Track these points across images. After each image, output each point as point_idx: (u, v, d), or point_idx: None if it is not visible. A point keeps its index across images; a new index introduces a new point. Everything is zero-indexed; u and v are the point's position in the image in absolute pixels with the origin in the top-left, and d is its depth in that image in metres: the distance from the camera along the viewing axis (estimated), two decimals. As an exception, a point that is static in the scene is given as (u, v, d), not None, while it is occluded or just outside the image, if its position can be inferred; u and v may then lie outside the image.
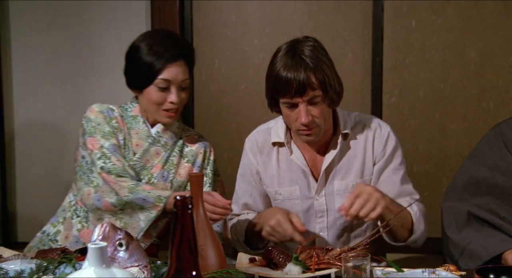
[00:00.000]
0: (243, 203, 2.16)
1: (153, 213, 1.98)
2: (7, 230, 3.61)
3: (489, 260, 1.86)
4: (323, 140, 2.04)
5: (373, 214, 1.77)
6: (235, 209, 2.17)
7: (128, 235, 1.44)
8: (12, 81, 3.55)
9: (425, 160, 3.36)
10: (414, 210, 1.99)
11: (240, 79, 3.45)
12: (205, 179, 2.20)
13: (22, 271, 1.56)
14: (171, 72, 2.05)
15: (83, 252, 1.80)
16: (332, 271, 1.72)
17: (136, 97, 2.17)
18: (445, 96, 3.34)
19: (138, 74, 2.08)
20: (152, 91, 2.06)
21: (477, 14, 3.28)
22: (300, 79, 1.86)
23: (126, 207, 2.01)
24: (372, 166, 2.06)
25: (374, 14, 3.31)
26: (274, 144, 2.10)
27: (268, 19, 3.41)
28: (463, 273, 1.69)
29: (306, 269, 1.74)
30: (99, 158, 2.05)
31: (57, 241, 2.13)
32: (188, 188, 2.12)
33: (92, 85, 3.47)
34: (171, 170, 2.14)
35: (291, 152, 2.06)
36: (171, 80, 2.05)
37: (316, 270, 1.72)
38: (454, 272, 1.67)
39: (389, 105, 3.36)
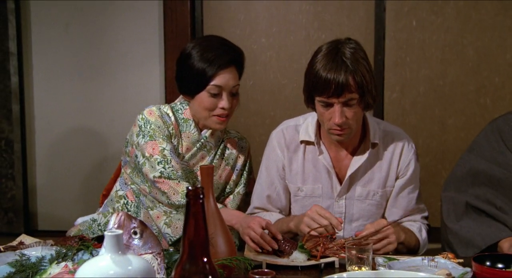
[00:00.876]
0: (267, 195, 2.09)
1: None
2: (28, 219, 3.63)
3: (486, 248, 1.85)
4: (351, 142, 2.00)
5: (385, 250, 1.80)
6: (257, 201, 2.11)
7: (142, 224, 1.44)
8: (33, 79, 3.56)
9: (425, 153, 3.35)
10: (423, 237, 1.99)
11: (248, 76, 3.44)
12: (241, 179, 2.18)
13: (43, 257, 1.57)
14: (223, 78, 2.00)
15: (100, 239, 1.80)
16: (336, 259, 1.72)
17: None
18: (444, 93, 3.33)
19: (190, 81, 2.03)
20: (204, 97, 2.02)
21: (475, 14, 3.27)
22: (339, 80, 1.81)
23: (179, 210, 2.00)
24: (394, 179, 2.03)
25: (377, 14, 3.30)
26: (302, 141, 2.05)
27: (275, 19, 3.40)
28: (461, 260, 1.68)
29: (311, 256, 1.74)
30: (159, 163, 1.99)
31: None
32: (226, 188, 2.14)
33: (108, 82, 3.48)
34: (214, 173, 2.09)
35: (321, 152, 2.01)
36: (222, 86, 2.01)
37: (321, 257, 1.73)
38: (452, 260, 1.67)
39: (390, 101, 3.35)
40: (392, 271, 1.51)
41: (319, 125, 2.02)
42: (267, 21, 3.41)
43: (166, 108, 2.11)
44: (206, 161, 2.11)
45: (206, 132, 2.11)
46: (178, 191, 1.98)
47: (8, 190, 3.59)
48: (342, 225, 1.99)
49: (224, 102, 2.02)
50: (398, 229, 1.89)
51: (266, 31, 3.41)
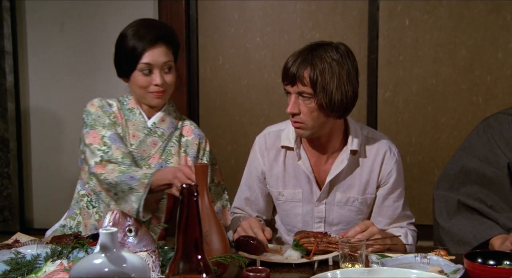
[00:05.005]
0: (245, 198, 2.13)
1: (141, 192, 1.95)
2: (24, 217, 3.62)
3: (478, 245, 1.86)
4: (331, 147, 2.00)
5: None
6: (237, 201, 2.16)
7: (137, 222, 1.44)
8: (28, 77, 3.55)
9: (418, 151, 3.36)
10: (409, 242, 1.99)
11: (243, 75, 3.45)
12: None
13: (38, 255, 1.57)
14: (152, 55, 2.02)
15: (95, 237, 1.80)
16: (330, 256, 1.72)
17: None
18: (437, 91, 3.33)
19: (123, 61, 2.07)
20: (137, 76, 2.04)
21: (467, 13, 3.27)
22: (294, 70, 1.86)
23: (117, 190, 1.99)
24: (375, 186, 2.02)
25: (370, 14, 3.31)
26: (282, 146, 2.05)
27: (269, 18, 3.40)
28: (453, 257, 1.69)
29: (305, 254, 1.74)
30: (100, 149, 2.03)
31: (80, 232, 2.11)
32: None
33: (102, 81, 3.47)
34: (169, 159, 2.11)
35: (299, 158, 2.02)
36: (152, 63, 2.03)
37: (315, 254, 1.73)
38: (444, 257, 1.67)
39: (384, 99, 3.36)
40: (385, 268, 1.52)
41: None
42: (261, 20, 3.41)
43: (112, 100, 2.15)
44: (159, 147, 2.11)
45: (155, 119, 2.12)
46: (116, 170, 1.99)
47: (3, 189, 3.58)
48: (323, 229, 2.03)
49: (156, 79, 2.03)
50: (384, 235, 1.90)
51: (260, 31, 3.41)
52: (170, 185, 1.93)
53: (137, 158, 2.08)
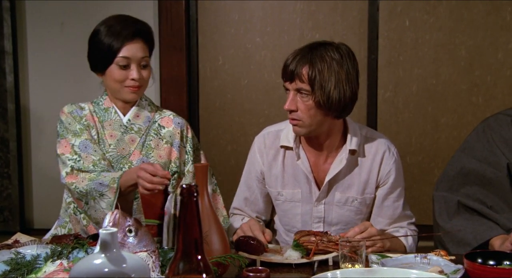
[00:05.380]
0: (244, 198, 2.13)
1: (111, 197, 1.95)
2: (24, 218, 3.62)
3: (478, 246, 1.86)
4: (330, 147, 2.01)
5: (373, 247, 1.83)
6: (236, 201, 2.16)
7: (137, 222, 1.44)
8: (28, 78, 3.55)
9: (418, 151, 3.36)
10: (409, 243, 1.99)
11: (242, 75, 3.45)
12: (186, 156, 2.15)
13: (38, 256, 1.57)
14: (130, 49, 2.03)
15: (94, 237, 1.80)
16: (330, 256, 1.72)
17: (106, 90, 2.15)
18: (437, 92, 3.33)
19: (100, 56, 2.06)
20: (113, 70, 2.04)
21: (467, 14, 3.27)
22: (293, 67, 1.88)
23: (89, 198, 2.00)
24: (374, 186, 2.02)
25: (370, 14, 3.31)
26: (282, 146, 2.06)
27: (269, 18, 3.40)
28: (453, 257, 1.69)
29: (305, 254, 1.74)
30: (70, 159, 2.05)
31: None
32: (170, 168, 2.10)
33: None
34: (150, 154, 2.09)
35: (298, 157, 2.02)
36: (130, 57, 2.03)
37: (315, 254, 1.73)
38: (444, 257, 1.67)
39: (384, 100, 3.36)
40: (385, 268, 1.52)
41: None
42: (261, 20, 3.41)
43: (84, 103, 2.15)
44: (137, 143, 2.09)
45: (129, 115, 2.11)
46: (86, 178, 1.99)
47: (3, 189, 3.58)
48: (322, 228, 2.03)
49: (134, 73, 2.03)
50: (383, 236, 1.90)
51: (260, 31, 3.41)
52: (137, 185, 1.92)
53: (117, 157, 2.07)
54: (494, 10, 3.25)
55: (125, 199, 1.99)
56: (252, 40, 3.42)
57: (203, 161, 2.19)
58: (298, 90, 1.89)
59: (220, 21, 3.44)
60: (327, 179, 1.99)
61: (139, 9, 3.38)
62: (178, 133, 2.14)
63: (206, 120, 3.47)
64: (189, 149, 2.16)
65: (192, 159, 2.15)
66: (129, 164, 2.06)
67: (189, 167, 2.14)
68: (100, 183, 1.96)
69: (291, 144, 2.02)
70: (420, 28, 3.30)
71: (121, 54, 2.02)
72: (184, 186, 1.13)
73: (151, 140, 2.11)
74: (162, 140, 2.12)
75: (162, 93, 3.41)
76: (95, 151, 2.05)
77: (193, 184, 1.15)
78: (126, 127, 2.10)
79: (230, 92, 3.47)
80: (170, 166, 2.11)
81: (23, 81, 3.55)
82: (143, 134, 2.11)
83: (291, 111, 1.92)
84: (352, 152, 1.99)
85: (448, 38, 3.29)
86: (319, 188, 2.01)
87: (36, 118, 3.58)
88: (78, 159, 2.04)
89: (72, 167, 2.03)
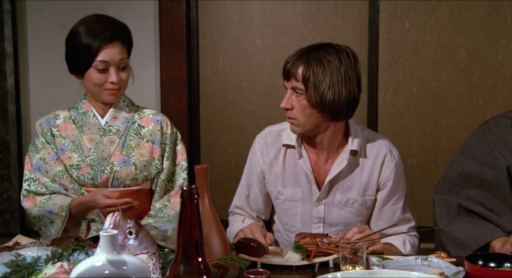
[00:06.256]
0: (246, 196, 2.13)
1: (59, 224, 2.00)
2: (24, 219, 3.62)
3: (478, 248, 1.86)
4: (331, 148, 2.01)
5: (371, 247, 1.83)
6: (237, 200, 2.16)
7: (137, 224, 1.44)
8: (29, 79, 3.55)
9: (419, 153, 3.36)
10: (407, 250, 1.98)
11: (243, 77, 3.45)
12: (166, 154, 2.13)
13: (38, 258, 1.57)
14: (108, 53, 2.02)
15: (95, 240, 1.80)
16: (330, 258, 1.72)
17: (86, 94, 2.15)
18: (437, 93, 3.33)
19: (77, 58, 2.06)
20: (92, 74, 2.04)
21: (467, 16, 3.28)
22: (290, 65, 1.92)
23: (41, 224, 2.04)
24: (375, 189, 2.02)
25: (370, 16, 3.31)
26: (284, 145, 2.06)
27: (269, 20, 3.40)
28: (454, 259, 1.69)
29: (305, 256, 1.74)
30: (26, 180, 2.09)
31: None
32: (154, 166, 2.11)
33: (103, 83, 3.47)
34: (130, 153, 2.08)
35: (300, 156, 2.02)
36: (108, 61, 2.02)
37: (315, 256, 1.73)
38: (445, 259, 1.67)
39: (384, 101, 3.36)
40: (386, 270, 1.52)
41: None
42: (262, 22, 3.41)
43: (60, 111, 2.18)
44: (117, 144, 2.09)
45: (107, 118, 2.11)
46: (37, 204, 2.04)
47: (4, 191, 3.58)
48: (322, 229, 2.02)
49: (112, 77, 2.03)
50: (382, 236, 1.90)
51: (261, 33, 3.41)
52: (93, 207, 1.97)
53: (98, 159, 2.07)
54: (495, 11, 3.25)
55: (74, 222, 2.03)
56: (253, 41, 3.42)
57: (180, 158, 2.17)
58: (294, 89, 1.92)
59: (220, 23, 3.44)
60: (327, 179, 1.99)
61: (139, 11, 3.38)
62: (159, 130, 2.14)
63: (207, 122, 3.47)
64: (168, 144, 2.15)
65: (167, 155, 2.14)
66: (110, 165, 2.06)
67: (167, 164, 2.13)
68: (50, 211, 2.01)
69: (293, 142, 2.03)
70: (420, 30, 3.31)
71: (99, 58, 2.01)
72: (184, 188, 1.13)
73: (131, 140, 2.11)
74: (143, 139, 2.12)
75: (163, 95, 3.40)
76: (47, 172, 2.07)
77: (193, 186, 1.16)
78: (105, 130, 2.10)
79: (230, 94, 3.47)
80: (154, 163, 2.11)
81: (23, 83, 3.55)
82: (122, 135, 2.11)
83: (286, 109, 1.95)
84: (353, 153, 1.99)
85: (449, 40, 3.29)
86: (319, 188, 2.02)
87: (36, 120, 3.57)
88: (34, 178, 2.08)
89: (26, 190, 2.08)
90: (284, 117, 2.03)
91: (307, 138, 2.02)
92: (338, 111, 1.91)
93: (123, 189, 2.06)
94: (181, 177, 2.15)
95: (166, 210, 2.05)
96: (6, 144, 3.55)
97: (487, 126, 2.04)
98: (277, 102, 3.40)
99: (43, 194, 2.05)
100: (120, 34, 2.07)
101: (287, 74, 1.93)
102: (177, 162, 2.17)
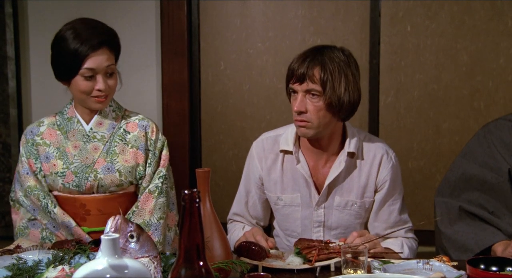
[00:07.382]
0: (245, 202, 2.14)
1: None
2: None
3: (480, 252, 1.86)
4: (329, 151, 2.02)
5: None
6: (236, 206, 2.16)
7: (139, 227, 1.44)
8: (31, 83, 3.56)
9: (420, 157, 3.36)
10: (405, 254, 1.98)
11: (244, 80, 3.45)
12: (149, 160, 2.11)
13: (39, 261, 1.57)
14: (95, 60, 1.99)
15: (96, 243, 1.80)
16: (332, 262, 1.72)
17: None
18: (439, 97, 3.33)
19: (64, 64, 2.02)
20: (79, 81, 2.01)
21: (468, 19, 3.28)
22: (304, 68, 1.89)
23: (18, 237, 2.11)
24: (373, 190, 2.02)
25: (371, 19, 3.31)
26: (281, 151, 2.06)
27: (271, 23, 3.40)
28: (455, 263, 1.69)
29: (306, 260, 1.74)
30: (13, 189, 2.15)
31: None
32: (138, 171, 2.09)
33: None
34: (115, 159, 2.07)
35: (298, 161, 2.02)
36: (95, 68, 1.99)
37: (316, 261, 1.72)
38: (447, 263, 1.67)
39: (385, 105, 3.36)
40: (387, 274, 1.51)
41: (299, 136, 2.04)
42: (263, 26, 3.41)
43: (46, 117, 2.17)
44: (101, 150, 2.07)
45: (92, 124, 2.10)
46: (17, 221, 2.10)
47: (5, 194, 3.58)
48: (322, 232, 2.02)
49: (100, 84, 2.01)
50: (380, 248, 1.90)
51: (262, 36, 3.41)
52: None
53: (82, 166, 2.05)
54: (496, 15, 3.25)
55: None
56: (254, 45, 3.42)
57: (161, 164, 2.14)
58: (308, 92, 1.90)
59: (222, 26, 3.44)
60: (326, 182, 2.00)
61: (141, 14, 3.38)
62: (143, 136, 2.12)
63: (208, 126, 3.47)
64: (151, 151, 2.13)
65: (150, 162, 2.12)
66: (94, 173, 2.05)
67: (149, 171, 2.11)
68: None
69: (290, 148, 2.03)
70: (421, 33, 3.31)
71: (86, 65, 1.99)
72: (186, 192, 1.13)
73: (116, 146, 2.09)
74: (128, 145, 2.10)
75: (164, 98, 3.41)
76: (22, 186, 2.10)
77: (195, 189, 1.16)
78: (89, 136, 2.09)
79: (231, 97, 3.47)
80: (138, 169, 2.10)
81: (25, 86, 3.55)
82: (107, 142, 2.09)
83: (300, 112, 1.92)
84: (351, 155, 2.00)
85: (450, 43, 3.30)
86: (318, 192, 2.02)
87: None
88: (13, 189, 2.14)
89: (11, 198, 2.13)
90: (285, 121, 2.03)
91: (305, 142, 2.02)
92: (350, 111, 1.94)
93: (109, 194, 2.06)
94: (154, 184, 2.10)
95: (133, 217, 2.04)
96: (7, 147, 3.55)
97: (488, 129, 2.04)
98: (279, 105, 3.43)
99: (20, 206, 2.11)
100: (107, 40, 2.03)
101: (301, 77, 1.90)
102: (160, 169, 2.13)
